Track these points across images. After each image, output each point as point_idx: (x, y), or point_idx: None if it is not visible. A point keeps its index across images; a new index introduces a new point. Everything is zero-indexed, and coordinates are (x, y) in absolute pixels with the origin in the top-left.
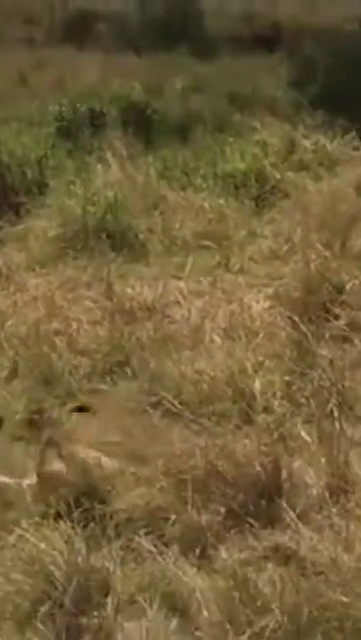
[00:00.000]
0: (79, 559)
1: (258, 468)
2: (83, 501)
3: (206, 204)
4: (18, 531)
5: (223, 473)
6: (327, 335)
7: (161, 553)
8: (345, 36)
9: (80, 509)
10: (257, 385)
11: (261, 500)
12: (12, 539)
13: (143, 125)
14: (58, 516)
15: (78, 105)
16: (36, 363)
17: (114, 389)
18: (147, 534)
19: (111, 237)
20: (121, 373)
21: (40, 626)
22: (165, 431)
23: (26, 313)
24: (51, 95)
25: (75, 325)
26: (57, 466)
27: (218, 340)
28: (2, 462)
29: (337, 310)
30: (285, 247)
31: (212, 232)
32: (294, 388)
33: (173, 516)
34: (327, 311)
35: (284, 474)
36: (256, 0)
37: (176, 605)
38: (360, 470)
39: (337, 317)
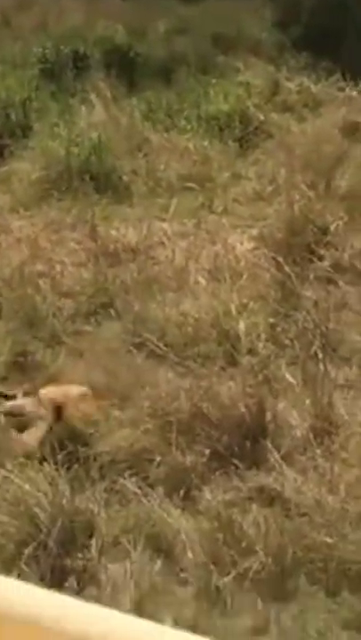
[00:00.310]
0: (63, 501)
1: (242, 410)
2: (66, 444)
3: (190, 146)
4: (2, 472)
5: (208, 415)
6: (311, 276)
7: (145, 495)
8: None
9: (64, 452)
10: (241, 327)
11: (246, 442)
12: None
13: (127, 68)
14: (42, 458)
15: (62, 47)
16: (20, 305)
17: (98, 331)
18: (131, 476)
19: (95, 179)
20: (105, 315)
21: (24, 567)
22: (150, 373)
23: (10, 255)
24: (34, 37)
25: (59, 267)
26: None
27: (202, 281)
28: None
29: (321, 251)
30: (269, 188)
31: (196, 174)
32: (279, 329)
33: (158, 458)
34: (312, 252)
35: (269, 415)
36: None
37: (160, 547)
38: (344, 412)
39: (321, 259)
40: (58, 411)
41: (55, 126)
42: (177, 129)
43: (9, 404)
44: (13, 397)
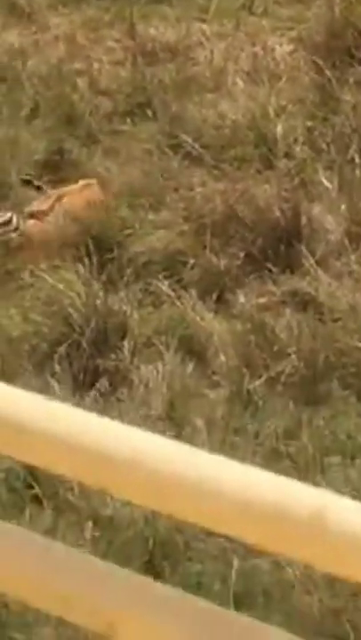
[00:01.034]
0: (97, 301)
1: (277, 214)
2: (101, 246)
3: None
4: (36, 271)
5: (243, 217)
6: (351, 80)
7: (179, 297)
8: None
9: (99, 254)
10: (279, 129)
11: (280, 245)
12: (30, 279)
13: None
14: (76, 259)
15: None
16: (57, 103)
17: (134, 131)
18: (165, 278)
19: None
20: (142, 115)
21: (57, 367)
22: (185, 175)
23: (47, 52)
24: None
25: (96, 65)
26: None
27: (240, 83)
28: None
29: None
30: None
31: None
32: (316, 133)
33: (192, 260)
34: (351, 56)
35: (304, 219)
36: None
37: (193, 349)
38: None
39: None
40: (58, 199)
41: None
42: None
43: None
44: (41, 188)
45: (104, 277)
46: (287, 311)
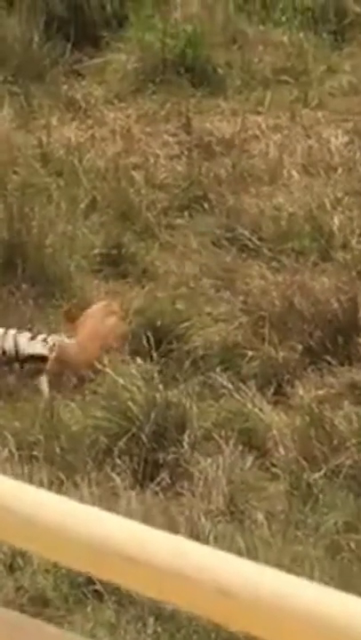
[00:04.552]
0: (157, 395)
1: (335, 306)
2: (160, 339)
3: (285, 39)
4: (97, 366)
5: (301, 310)
6: None
7: (238, 389)
8: None
9: (158, 347)
10: (336, 221)
11: (338, 337)
12: (90, 374)
13: None
14: (136, 352)
15: None
16: (114, 197)
17: (191, 224)
18: (223, 371)
19: (190, 72)
20: (198, 209)
21: (118, 461)
22: (243, 268)
23: (104, 147)
24: None
25: (152, 160)
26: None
27: (296, 175)
28: (80, 296)
29: None
30: None
31: (290, 67)
32: None
33: (250, 353)
34: None
35: None
36: None
37: (252, 442)
38: None
39: None
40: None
41: (150, 17)
42: (272, 21)
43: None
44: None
45: (163, 371)
46: (346, 403)
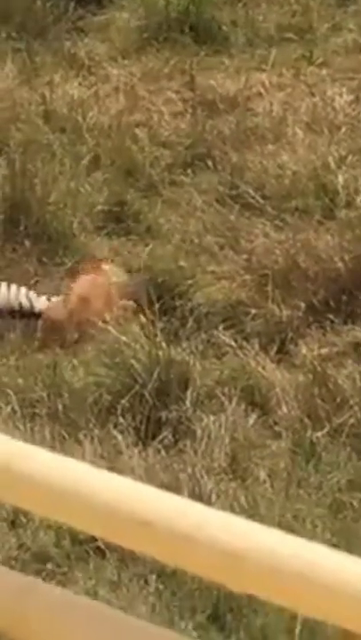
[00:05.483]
0: (160, 353)
1: (339, 264)
2: (164, 296)
3: None
4: (99, 324)
5: (304, 268)
6: None
7: (241, 347)
8: None
9: (161, 304)
10: (340, 180)
11: (342, 296)
12: (93, 331)
13: None
14: (139, 310)
15: None
16: (118, 155)
17: (195, 182)
18: (227, 329)
19: (194, 29)
20: (202, 166)
21: (120, 419)
22: (246, 226)
23: (107, 104)
24: None
25: (156, 117)
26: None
27: (300, 133)
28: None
29: None
30: None
31: (295, 24)
32: None
33: (254, 311)
34: None
35: None
36: None
37: (255, 400)
38: None
39: None
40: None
41: None
42: None
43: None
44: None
45: (166, 328)
46: (349, 362)
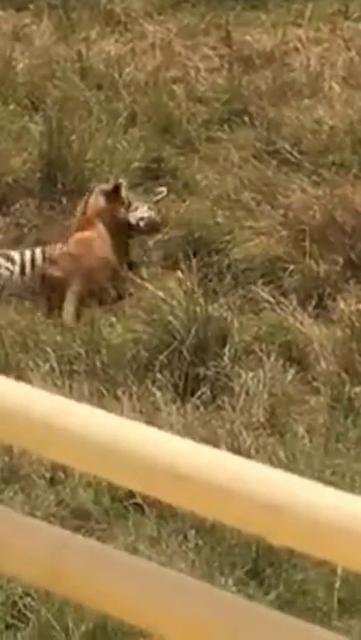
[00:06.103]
0: (197, 309)
1: None
2: (201, 252)
3: None
4: (137, 280)
5: (342, 223)
6: None
7: (278, 303)
8: None
9: (198, 259)
10: None
11: None
12: (130, 288)
13: None
14: (176, 266)
15: None
16: (154, 111)
17: (231, 137)
18: (264, 284)
19: None
20: (239, 122)
21: (159, 375)
22: (283, 181)
23: (144, 60)
24: None
25: (193, 73)
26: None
27: (337, 88)
28: None
29: None
30: None
31: None
32: None
33: (291, 267)
34: None
35: None
36: None
37: (293, 355)
38: None
39: None
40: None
41: None
42: None
43: None
44: None
45: (204, 284)
46: None
